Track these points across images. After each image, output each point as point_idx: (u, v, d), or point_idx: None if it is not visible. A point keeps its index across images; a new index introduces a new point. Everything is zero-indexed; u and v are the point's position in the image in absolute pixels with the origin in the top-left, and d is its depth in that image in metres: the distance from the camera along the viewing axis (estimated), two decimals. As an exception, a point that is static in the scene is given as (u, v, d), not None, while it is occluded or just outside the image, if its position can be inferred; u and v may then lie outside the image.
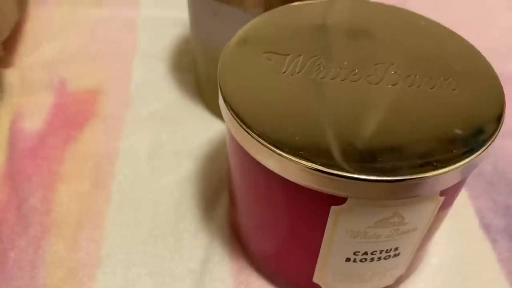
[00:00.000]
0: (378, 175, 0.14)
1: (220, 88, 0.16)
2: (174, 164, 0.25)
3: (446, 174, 0.14)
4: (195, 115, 0.27)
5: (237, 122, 0.15)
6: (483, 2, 0.37)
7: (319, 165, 0.14)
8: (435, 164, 0.14)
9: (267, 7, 0.20)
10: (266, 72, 0.17)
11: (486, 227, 0.22)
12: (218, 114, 0.27)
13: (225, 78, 0.17)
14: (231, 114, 0.16)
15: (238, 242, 0.21)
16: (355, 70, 0.17)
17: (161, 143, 0.26)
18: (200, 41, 0.25)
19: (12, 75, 0.29)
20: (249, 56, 0.17)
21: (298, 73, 0.17)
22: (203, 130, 0.26)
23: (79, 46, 0.31)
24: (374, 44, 0.18)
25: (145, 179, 0.24)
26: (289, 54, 0.17)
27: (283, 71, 0.17)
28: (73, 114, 0.27)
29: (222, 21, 0.22)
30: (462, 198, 0.23)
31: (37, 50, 0.30)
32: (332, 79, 0.17)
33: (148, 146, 0.25)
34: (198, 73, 0.27)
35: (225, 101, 0.16)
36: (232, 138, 0.17)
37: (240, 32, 0.18)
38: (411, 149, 0.14)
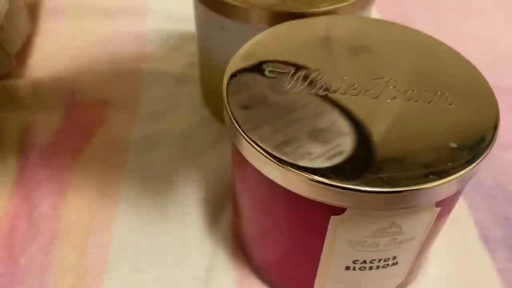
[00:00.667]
0: (375, 187, 0.14)
1: (225, 101, 0.17)
2: (181, 173, 0.25)
3: (441, 186, 0.14)
4: (202, 125, 0.28)
5: (241, 134, 0.16)
6: (485, 16, 0.38)
7: (319, 176, 0.14)
8: (430, 176, 0.14)
9: (272, 22, 0.21)
10: (269, 87, 0.17)
11: (485, 238, 0.23)
12: (223, 124, 0.28)
13: (230, 92, 0.17)
14: (235, 126, 0.16)
15: (242, 250, 0.22)
16: (355, 84, 0.17)
17: (168, 153, 0.26)
18: (206, 53, 0.26)
19: (23, 86, 0.29)
20: (253, 70, 0.18)
21: (300, 87, 0.17)
22: (209, 140, 0.27)
23: (88, 58, 0.32)
24: (374, 59, 0.19)
25: (152, 187, 0.24)
26: (291, 69, 0.18)
27: (285, 86, 0.17)
28: (83, 125, 0.27)
29: (228, 35, 0.23)
30: (462, 210, 0.24)
31: (47, 62, 0.31)
32: (333, 93, 0.17)
33: (155, 156, 0.26)
34: (204, 84, 0.28)
35: (229, 114, 0.17)
36: (236, 149, 0.17)
37: (245, 47, 0.19)
38: (408, 162, 0.15)
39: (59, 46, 0.33)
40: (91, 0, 0.36)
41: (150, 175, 0.25)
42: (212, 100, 0.28)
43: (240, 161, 0.18)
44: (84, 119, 0.28)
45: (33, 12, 0.34)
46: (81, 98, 0.29)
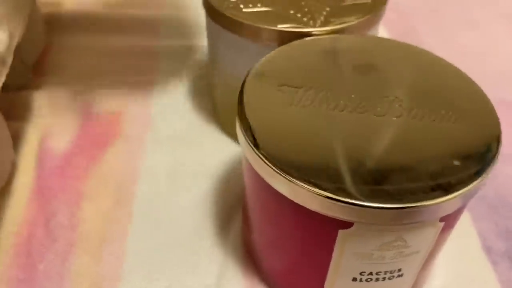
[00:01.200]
0: (382, 203, 0.15)
1: (238, 117, 0.18)
2: (191, 183, 0.26)
3: (446, 202, 0.15)
4: (212, 137, 0.29)
5: (252, 148, 0.17)
6: (491, 29, 0.38)
7: (328, 191, 0.15)
8: (435, 192, 0.15)
9: (282, 40, 0.22)
10: (279, 104, 0.18)
11: (488, 250, 0.23)
12: (233, 136, 0.29)
13: (243, 108, 0.18)
14: (246, 141, 0.17)
15: (251, 259, 0.23)
16: (362, 103, 0.18)
17: (179, 163, 0.27)
18: (217, 68, 0.27)
19: (40, 97, 0.30)
20: (265, 88, 0.19)
21: (309, 105, 0.18)
22: (218, 151, 0.28)
23: (102, 70, 0.33)
24: (381, 78, 0.19)
25: (165, 198, 0.25)
26: (301, 87, 0.19)
27: (295, 103, 0.18)
28: (98, 135, 0.28)
29: (239, 52, 0.24)
30: (466, 221, 0.25)
31: (62, 74, 0.32)
32: (340, 111, 0.18)
33: (167, 166, 0.27)
34: (215, 98, 0.29)
35: (241, 129, 0.17)
36: (247, 162, 0.18)
37: (257, 66, 0.20)
38: (413, 178, 0.16)
39: (73, 58, 0.34)
40: (104, 14, 0.37)
41: (162, 186, 0.26)
42: (222, 112, 0.29)
43: (251, 173, 0.18)
44: (99, 130, 0.29)
45: (48, 25, 0.36)
46: (96, 109, 0.30)
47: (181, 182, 0.26)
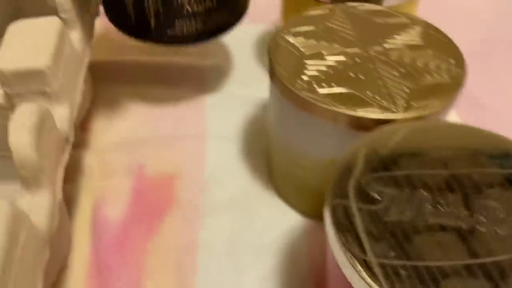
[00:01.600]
0: None
1: (331, 220, 0.17)
2: (253, 258, 0.25)
3: None
4: (269, 204, 0.28)
5: (352, 265, 0.16)
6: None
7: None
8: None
9: (361, 126, 0.21)
10: (376, 206, 0.17)
11: None
12: (289, 202, 0.28)
13: (336, 213, 0.17)
14: (341, 249, 0.16)
15: None
16: (463, 210, 0.17)
17: (237, 234, 0.26)
18: (280, 139, 0.26)
19: (89, 158, 0.29)
20: (356, 186, 0.18)
21: (409, 208, 0.17)
22: (277, 220, 0.27)
23: (149, 126, 0.32)
24: (476, 175, 0.18)
25: (227, 276, 0.24)
26: (399, 188, 0.18)
27: (392, 206, 0.17)
28: (153, 200, 0.27)
29: (309, 131, 0.23)
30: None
31: (109, 131, 0.31)
32: (446, 219, 0.17)
33: (225, 237, 0.26)
34: (273, 165, 0.28)
35: (340, 239, 0.16)
36: (337, 267, 0.17)
37: (343, 159, 0.19)
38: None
39: (119, 112, 0.33)
40: (147, 63, 0.36)
41: (224, 261, 0.25)
42: (282, 181, 0.28)
43: (340, 276, 0.17)
44: (154, 194, 0.28)
45: (92, 76, 0.35)
46: (149, 170, 0.29)
47: (242, 257, 0.25)
